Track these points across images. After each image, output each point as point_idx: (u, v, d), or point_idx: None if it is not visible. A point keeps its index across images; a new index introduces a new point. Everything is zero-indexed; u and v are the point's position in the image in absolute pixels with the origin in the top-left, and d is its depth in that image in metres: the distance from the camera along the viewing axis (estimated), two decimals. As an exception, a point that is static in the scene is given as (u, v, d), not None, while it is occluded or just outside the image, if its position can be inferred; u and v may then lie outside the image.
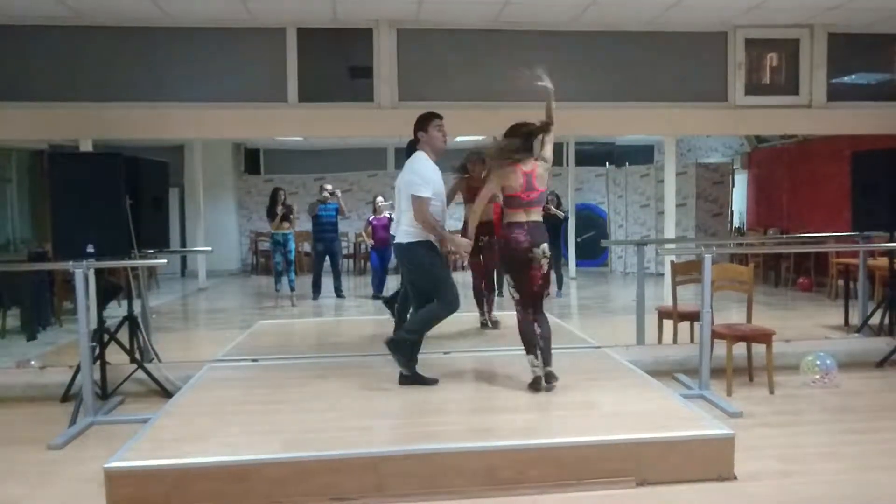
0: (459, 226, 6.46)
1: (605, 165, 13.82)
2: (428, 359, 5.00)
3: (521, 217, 4.11)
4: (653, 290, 8.54)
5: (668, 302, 5.74)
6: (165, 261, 4.84)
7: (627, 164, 13.26)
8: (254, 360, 5.08)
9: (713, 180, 11.92)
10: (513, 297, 4.23)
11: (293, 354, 5.29)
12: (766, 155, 12.18)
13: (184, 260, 13.58)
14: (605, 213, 13.60)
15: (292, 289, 9.32)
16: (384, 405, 3.95)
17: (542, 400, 4.02)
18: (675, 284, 5.55)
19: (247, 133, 7.90)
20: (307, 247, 12.41)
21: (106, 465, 3.08)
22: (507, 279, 4.26)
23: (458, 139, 6.54)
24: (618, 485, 3.26)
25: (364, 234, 10.53)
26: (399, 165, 16.11)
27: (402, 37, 5.70)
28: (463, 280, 7.21)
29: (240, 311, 9.30)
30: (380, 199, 10.21)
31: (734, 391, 4.82)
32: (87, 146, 5.52)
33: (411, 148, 5.48)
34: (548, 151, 4.32)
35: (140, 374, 4.91)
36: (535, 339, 4.15)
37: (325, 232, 9.57)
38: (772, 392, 4.82)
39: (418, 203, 4.16)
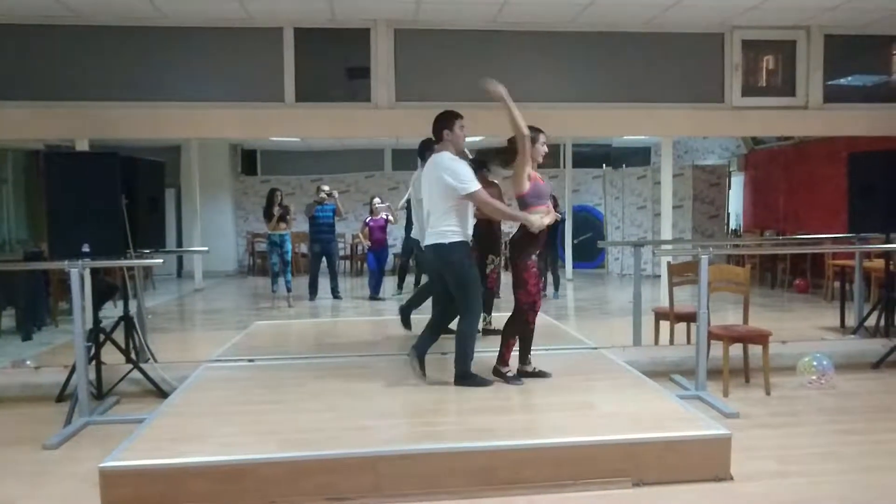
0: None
1: (602, 167, 13.84)
2: (427, 359, 5.00)
3: None
4: (649, 291, 8.54)
5: (665, 303, 5.74)
6: (161, 261, 4.82)
7: (624, 165, 13.28)
8: (250, 361, 5.07)
9: (710, 182, 11.94)
10: (528, 300, 4.31)
11: (290, 355, 5.28)
12: (762, 157, 12.20)
13: (180, 261, 13.55)
14: (601, 215, 13.61)
15: (289, 290, 9.31)
16: (381, 405, 3.94)
17: (539, 401, 4.02)
18: (671, 285, 5.56)
19: (244, 133, 7.89)
20: (304, 248, 12.38)
21: (101, 465, 3.07)
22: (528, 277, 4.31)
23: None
24: (614, 485, 3.26)
25: (361, 235, 10.52)
26: (396, 167, 16.16)
27: (399, 37, 5.70)
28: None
29: (236, 312, 9.28)
30: (377, 200, 10.21)
31: (731, 392, 4.82)
32: (83, 146, 5.51)
33: (425, 147, 5.49)
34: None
35: (136, 374, 4.90)
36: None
37: (321, 233, 9.56)
38: (768, 393, 4.82)
39: (477, 197, 4.17)
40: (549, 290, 9.61)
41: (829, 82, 6.08)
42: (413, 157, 15.38)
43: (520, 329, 4.38)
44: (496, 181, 5.47)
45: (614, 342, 5.70)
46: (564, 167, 12.76)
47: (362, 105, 5.73)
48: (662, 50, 5.93)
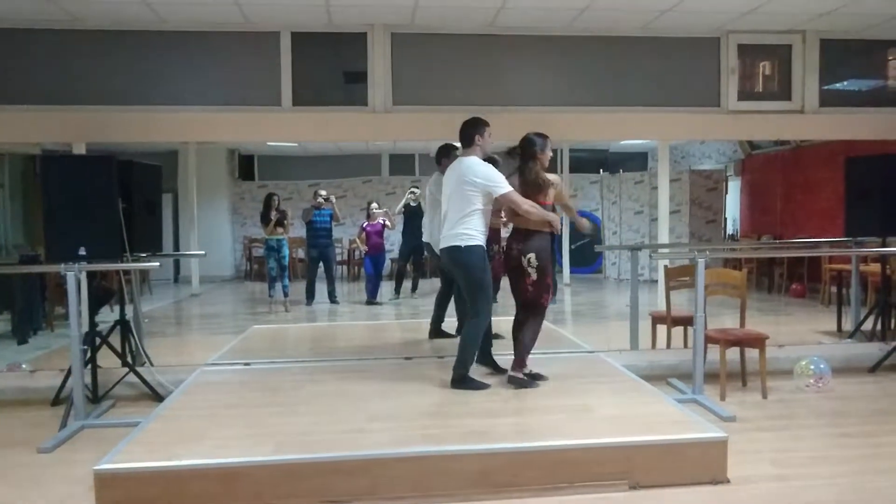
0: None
1: (599, 172, 13.86)
2: (422, 363, 5.01)
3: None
4: (647, 295, 8.54)
5: (662, 307, 5.74)
6: (158, 264, 4.81)
7: (621, 170, 13.30)
8: (246, 364, 5.06)
9: (707, 187, 11.96)
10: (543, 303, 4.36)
11: (286, 358, 5.27)
12: (759, 161, 12.23)
13: (177, 266, 13.54)
14: (599, 220, 13.63)
15: (286, 294, 9.29)
16: (377, 408, 3.93)
17: (535, 404, 4.01)
18: (668, 289, 5.56)
19: (241, 137, 7.90)
20: (301, 252, 12.38)
21: (96, 468, 3.06)
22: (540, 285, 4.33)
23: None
24: (611, 488, 3.25)
25: (358, 240, 10.51)
26: (394, 172, 16.16)
27: (396, 41, 5.71)
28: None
29: (233, 317, 9.26)
30: (374, 205, 10.20)
31: (727, 396, 4.82)
32: (80, 150, 5.51)
33: (444, 152, 5.51)
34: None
35: (132, 377, 4.89)
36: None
37: (319, 238, 9.55)
38: (765, 397, 4.82)
39: (510, 197, 4.20)
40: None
41: (825, 86, 6.10)
42: (410, 163, 15.35)
43: (538, 332, 4.40)
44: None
45: (611, 346, 5.70)
46: (562, 172, 12.77)
47: (359, 109, 5.73)
48: (658, 54, 5.94)
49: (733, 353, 5.06)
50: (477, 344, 4.39)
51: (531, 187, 4.29)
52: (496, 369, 4.61)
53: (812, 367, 4.99)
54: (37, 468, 3.67)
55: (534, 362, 4.53)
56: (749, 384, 5.13)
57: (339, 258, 12.80)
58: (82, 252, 4.43)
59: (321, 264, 9.68)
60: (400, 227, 10.36)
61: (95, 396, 4.77)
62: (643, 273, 11.02)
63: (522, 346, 4.33)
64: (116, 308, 5.24)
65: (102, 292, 6.17)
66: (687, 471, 3.33)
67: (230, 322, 8.73)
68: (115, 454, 3.20)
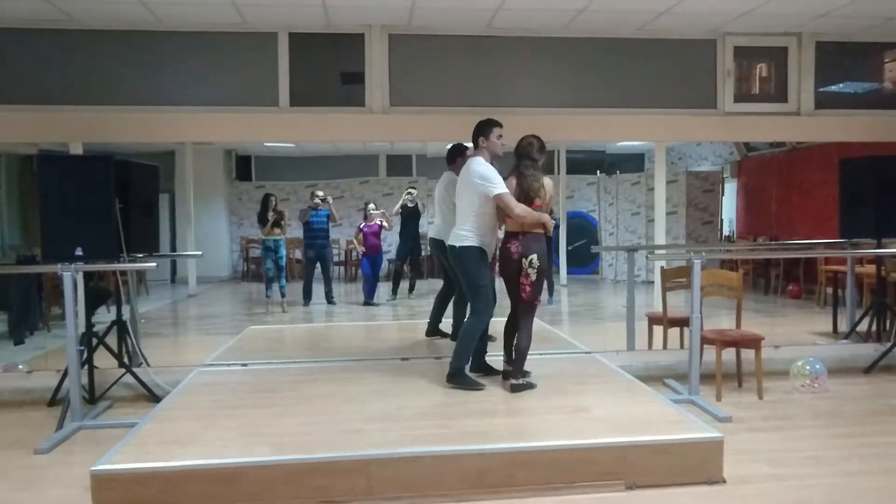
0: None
1: (596, 174, 13.88)
2: (418, 363, 5.02)
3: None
4: (643, 296, 8.58)
5: (659, 308, 5.75)
6: (155, 264, 4.82)
7: (618, 172, 13.32)
8: (243, 365, 5.06)
9: (703, 189, 12.00)
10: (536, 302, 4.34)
11: (283, 359, 5.27)
12: (755, 163, 12.27)
13: (174, 266, 13.52)
14: (595, 222, 13.65)
15: (283, 295, 9.29)
16: (374, 409, 3.93)
17: (532, 404, 4.02)
18: (664, 290, 5.57)
19: (238, 137, 7.89)
20: (298, 253, 12.38)
21: (93, 469, 3.06)
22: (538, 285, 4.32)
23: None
24: (607, 488, 3.26)
25: (355, 241, 10.52)
26: (391, 172, 16.19)
27: (393, 42, 5.72)
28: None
29: (230, 317, 9.26)
30: (371, 205, 10.21)
31: (723, 396, 4.84)
32: (77, 150, 5.50)
33: (455, 152, 5.54)
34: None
35: (128, 378, 4.88)
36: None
37: (316, 238, 9.56)
38: (761, 397, 4.84)
39: (504, 199, 4.20)
40: (544, 295, 9.61)
41: (821, 88, 6.13)
42: (407, 163, 15.42)
43: (531, 333, 4.38)
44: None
45: (608, 347, 5.71)
46: (558, 173, 12.80)
47: (356, 110, 5.74)
48: (655, 56, 5.96)
49: (729, 354, 5.07)
50: (474, 340, 4.41)
51: (527, 190, 4.29)
52: (489, 372, 4.61)
53: (808, 367, 5.01)
54: (33, 469, 3.67)
55: (531, 363, 4.53)
56: (745, 385, 5.15)
57: (336, 259, 12.82)
58: (79, 252, 4.43)
59: (318, 265, 9.69)
60: (397, 228, 10.37)
61: (92, 397, 4.77)
62: (640, 274, 11.05)
63: (519, 355, 4.30)
64: (113, 309, 5.24)
65: (99, 293, 6.15)
66: (683, 471, 3.34)
67: (227, 323, 8.72)
68: (111, 455, 3.20)
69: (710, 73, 6.03)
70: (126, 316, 5.13)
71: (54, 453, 3.90)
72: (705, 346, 4.88)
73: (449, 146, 5.72)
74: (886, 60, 6.34)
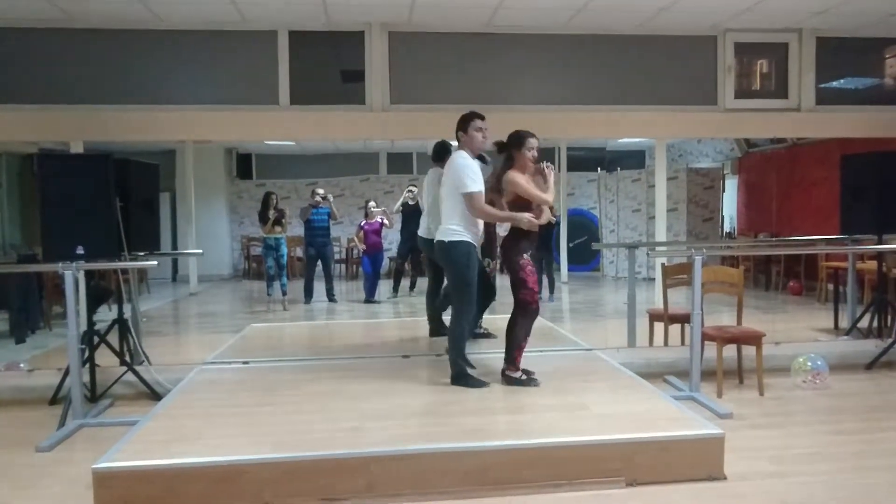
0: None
1: (596, 171, 13.87)
2: (419, 361, 5.02)
3: None
4: (644, 293, 8.58)
5: (659, 305, 5.75)
6: (156, 262, 4.81)
7: (619, 169, 13.32)
8: (245, 363, 5.06)
9: (704, 185, 11.99)
10: (532, 297, 4.28)
11: (284, 357, 5.27)
12: (756, 160, 12.25)
13: (175, 265, 13.53)
14: (596, 219, 13.64)
15: (284, 293, 9.30)
16: (375, 407, 3.93)
17: (533, 401, 4.02)
18: (665, 287, 5.57)
19: (238, 136, 7.89)
20: (299, 251, 12.38)
21: (94, 467, 3.06)
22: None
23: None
24: (608, 485, 3.26)
25: (356, 239, 10.51)
26: (391, 170, 16.16)
27: (393, 40, 5.72)
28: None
29: (231, 316, 9.26)
30: (371, 203, 10.21)
31: (724, 393, 4.84)
32: (77, 149, 5.51)
33: (440, 149, 5.51)
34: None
35: (130, 376, 4.89)
36: None
37: (316, 236, 9.56)
38: (762, 394, 4.84)
39: (470, 200, 4.18)
40: (545, 292, 9.61)
41: (822, 84, 6.12)
42: (408, 161, 15.35)
43: (528, 330, 4.33)
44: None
45: (609, 344, 5.72)
46: (559, 171, 12.80)
47: (357, 108, 5.74)
48: (655, 53, 5.96)
49: (730, 351, 5.07)
50: (463, 339, 4.37)
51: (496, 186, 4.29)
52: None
53: (809, 363, 5.01)
54: (35, 467, 3.67)
55: (531, 359, 4.54)
56: (746, 381, 5.15)
57: (337, 257, 12.81)
58: (80, 251, 4.42)
59: (319, 263, 9.69)
60: (398, 226, 10.37)
61: (94, 395, 4.77)
62: (640, 271, 11.05)
63: (511, 344, 4.29)
64: (114, 307, 5.24)
65: (100, 291, 6.16)
66: (684, 468, 3.34)
67: (228, 321, 8.73)
68: (113, 453, 3.20)
69: (711, 70, 6.03)
70: (127, 314, 5.13)
71: (56, 451, 3.91)
72: (706, 342, 4.88)
73: (435, 143, 5.69)
74: (887, 56, 6.33)
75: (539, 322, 4.37)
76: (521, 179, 4.23)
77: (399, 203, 10.21)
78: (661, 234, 6.62)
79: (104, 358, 4.93)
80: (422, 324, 6.16)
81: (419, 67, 5.84)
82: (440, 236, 4.37)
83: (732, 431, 3.72)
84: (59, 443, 4.00)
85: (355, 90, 5.75)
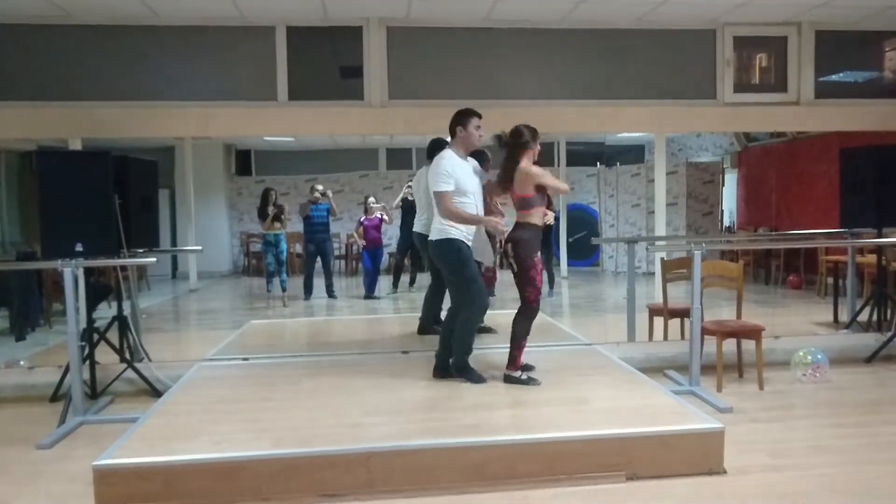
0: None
1: (596, 165, 13.86)
2: (419, 357, 5.02)
3: None
4: (644, 288, 8.57)
5: (659, 299, 5.75)
6: (155, 259, 4.81)
7: (618, 164, 13.30)
8: (245, 359, 5.06)
9: (703, 180, 11.98)
10: (537, 297, 4.26)
11: (284, 353, 5.28)
12: (755, 154, 12.24)
13: (174, 261, 13.52)
14: (596, 214, 13.63)
15: (284, 289, 9.30)
16: (375, 402, 3.94)
17: (532, 396, 4.02)
18: (665, 281, 5.57)
19: (237, 131, 7.88)
20: (299, 248, 12.38)
21: (95, 463, 3.06)
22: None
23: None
24: (608, 479, 3.26)
25: (355, 234, 10.51)
26: (391, 166, 16.12)
27: (392, 35, 5.71)
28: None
29: (231, 312, 9.27)
30: (371, 199, 10.20)
31: (724, 387, 4.84)
32: (76, 146, 5.50)
33: (434, 146, 5.49)
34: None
35: (130, 373, 4.89)
36: None
37: (316, 232, 9.56)
38: (761, 388, 4.84)
39: (439, 198, 4.18)
40: (545, 288, 9.62)
41: (821, 78, 6.11)
42: (407, 157, 15.32)
43: (528, 328, 4.30)
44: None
45: (608, 338, 5.71)
46: (558, 165, 12.78)
47: (355, 103, 5.73)
48: (654, 46, 5.95)
49: (730, 345, 5.08)
50: (472, 333, 4.35)
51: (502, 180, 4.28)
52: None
53: (810, 356, 5.02)
54: (36, 464, 3.68)
55: (532, 355, 4.54)
56: (745, 375, 5.15)
57: (336, 253, 12.81)
58: (79, 248, 4.42)
59: (319, 259, 9.69)
60: (397, 222, 10.36)
61: (94, 392, 4.78)
62: (640, 265, 11.04)
63: (512, 344, 4.28)
64: (114, 304, 5.24)
65: (100, 289, 6.15)
66: (684, 462, 3.34)
67: (228, 317, 8.73)
68: (113, 450, 3.20)
69: (710, 64, 6.02)
70: (127, 311, 5.13)
71: (56, 448, 3.91)
72: (706, 337, 4.89)
73: (430, 140, 5.67)
74: (886, 49, 6.32)
75: (539, 317, 4.36)
76: (539, 170, 4.21)
77: (399, 199, 10.20)
78: (660, 229, 6.60)
79: (104, 355, 4.94)
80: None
81: (417, 62, 5.83)
82: (432, 235, 4.36)
83: (732, 425, 3.72)
84: (60, 440, 4.00)
85: (354, 85, 5.73)
